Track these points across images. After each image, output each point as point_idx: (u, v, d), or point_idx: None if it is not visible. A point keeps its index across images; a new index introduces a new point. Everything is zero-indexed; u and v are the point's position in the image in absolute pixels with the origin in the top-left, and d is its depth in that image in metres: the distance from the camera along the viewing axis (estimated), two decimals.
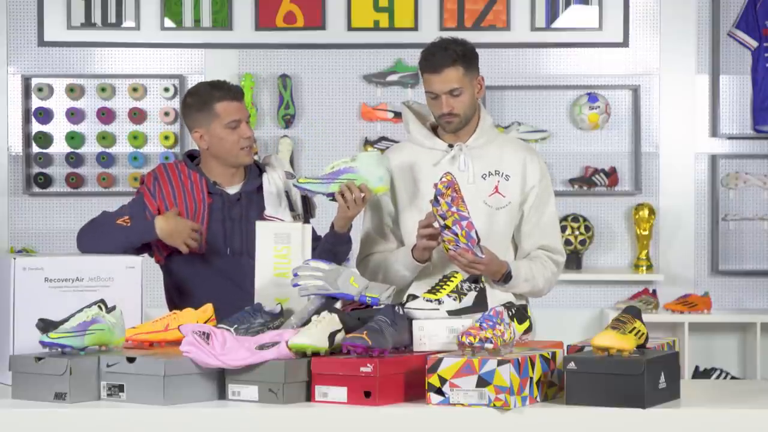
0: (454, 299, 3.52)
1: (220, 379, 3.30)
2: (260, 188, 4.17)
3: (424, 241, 3.84)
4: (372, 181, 3.89)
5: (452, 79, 3.92)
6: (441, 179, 3.71)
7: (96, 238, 4.05)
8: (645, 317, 3.44)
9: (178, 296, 4.21)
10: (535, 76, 7.45)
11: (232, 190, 4.21)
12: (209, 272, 4.15)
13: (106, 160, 7.40)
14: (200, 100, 4.14)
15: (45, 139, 7.39)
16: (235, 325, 3.51)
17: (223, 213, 4.17)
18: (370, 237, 4.12)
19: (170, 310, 4.18)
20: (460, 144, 4.03)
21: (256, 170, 4.25)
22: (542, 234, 4.03)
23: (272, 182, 4.14)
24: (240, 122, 4.12)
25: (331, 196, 3.91)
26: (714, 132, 7.42)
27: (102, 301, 3.45)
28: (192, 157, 4.28)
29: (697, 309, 7.17)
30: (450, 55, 3.92)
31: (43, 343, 3.32)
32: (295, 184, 3.93)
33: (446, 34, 4.05)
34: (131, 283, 3.71)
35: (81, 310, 3.40)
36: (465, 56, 3.94)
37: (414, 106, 4.14)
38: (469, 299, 3.55)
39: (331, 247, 3.98)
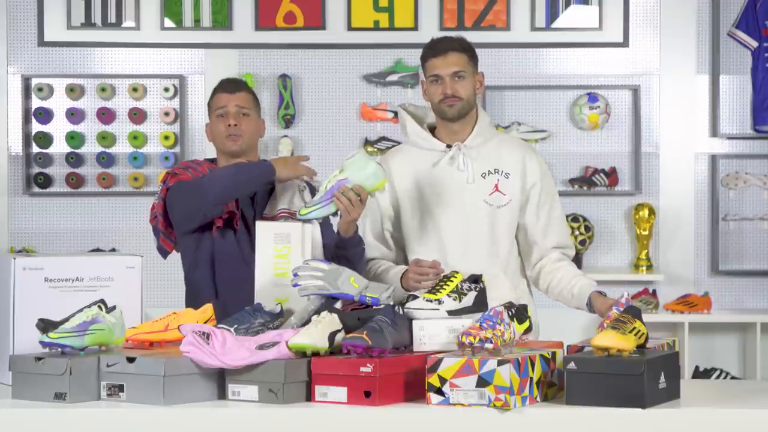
0: (454, 299, 3.52)
1: (220, 379, 3.30)
2: (273, 190, 4.16)
3: (415, 284, 3.84)
4: (367, 183, 3.83)
5: (457, 62, 3.98)
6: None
7: (201, 190, 3.99)
8: (645, 317, 3.43)
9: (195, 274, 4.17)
10: (535, 76, 7.45)
11: None
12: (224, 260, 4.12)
13: (106, 160, 7.40)
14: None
15: (45, 139, 7.39)
16: (235, 325, 3.50)
17: (239, 208, 4.13)
18: (370, 243, 4.11)
19: (187, 300, 4.17)
20: (458, 144, 4.03)
21: None
22: (557, 232, 4.08)
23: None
24: (226, 110, 4.17)
25: (336, 214, 3.91)
26: (714, 132, 7.42)
27: (102, 301, 3.45)
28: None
29: (697, 309, 7.17)
30: (455, 41, 4.02)
31: (43, 343, 3.32)
32: (299, 217, 3.88)
33: (446, 34, 4.09)
34: (131, 283, 3.71)
35: (81, 310, 3.40)
36: (469, 48, 4.03)
37: (410, 108, 4.15)
38: (469, 299, 3.55)
39: (344, 253, 3.92)
